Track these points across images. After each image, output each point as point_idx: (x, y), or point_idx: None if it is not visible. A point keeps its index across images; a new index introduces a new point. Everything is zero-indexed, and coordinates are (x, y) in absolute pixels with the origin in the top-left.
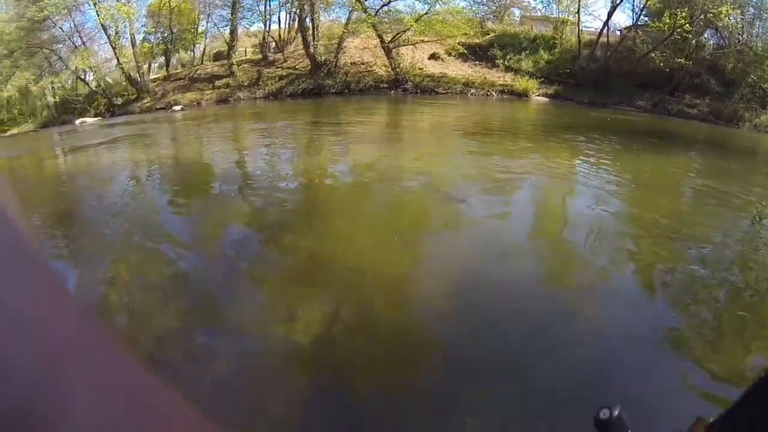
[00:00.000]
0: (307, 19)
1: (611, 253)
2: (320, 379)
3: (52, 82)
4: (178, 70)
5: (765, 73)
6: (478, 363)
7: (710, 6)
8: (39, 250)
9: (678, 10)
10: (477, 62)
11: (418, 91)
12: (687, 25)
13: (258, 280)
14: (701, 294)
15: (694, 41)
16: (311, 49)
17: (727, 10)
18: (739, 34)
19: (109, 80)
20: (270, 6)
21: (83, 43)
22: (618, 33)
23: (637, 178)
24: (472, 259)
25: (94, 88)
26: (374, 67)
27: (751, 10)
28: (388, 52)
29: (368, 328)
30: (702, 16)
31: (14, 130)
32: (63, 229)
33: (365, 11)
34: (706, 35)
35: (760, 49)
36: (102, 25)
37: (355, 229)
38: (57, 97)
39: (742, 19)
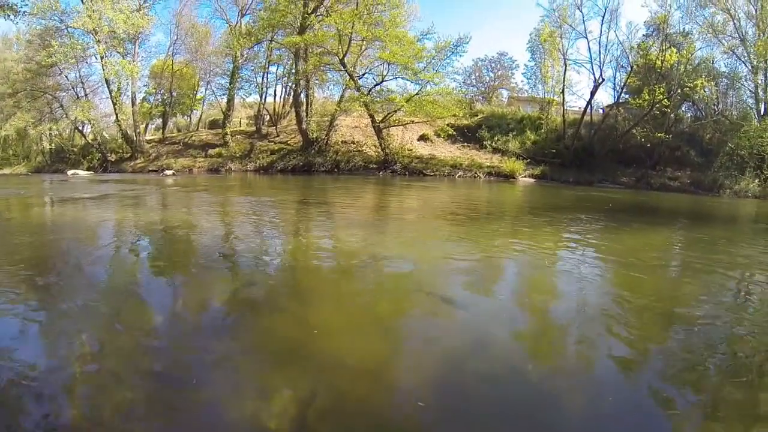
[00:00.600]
0: (302, 95)
1: (596, 337)
2: None
3: (50, 129)
4: (174, 134)
5: (742, 141)
6: None
7: (686, 80)
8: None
9: (656, 86)
10: (465, 143)
11: (407, 172)
12: (665, 100)
13: (231, 360)
14: (688, 377)
15: (672, 115)
16: (304, 125)
17: (702, 83)
18: (714, 104)
19: (106, 135)
20: (267, 78)
21: (86, 95)
22: (601, 111)
23: (621, 256)
24: (453, 348)
25: (90, 141)
26: (364, 147)
27: (725, 81)
28: (378, 132)
29: (342, 415)
30: (679, 90)
31: (6, 171)
32: (35, 282)
33: (358, 89)
34: (683, 108)
35: (735, 117)
36: (106, 79)
37: (334, 314)
38: (53, 144)
39: (717, 90)
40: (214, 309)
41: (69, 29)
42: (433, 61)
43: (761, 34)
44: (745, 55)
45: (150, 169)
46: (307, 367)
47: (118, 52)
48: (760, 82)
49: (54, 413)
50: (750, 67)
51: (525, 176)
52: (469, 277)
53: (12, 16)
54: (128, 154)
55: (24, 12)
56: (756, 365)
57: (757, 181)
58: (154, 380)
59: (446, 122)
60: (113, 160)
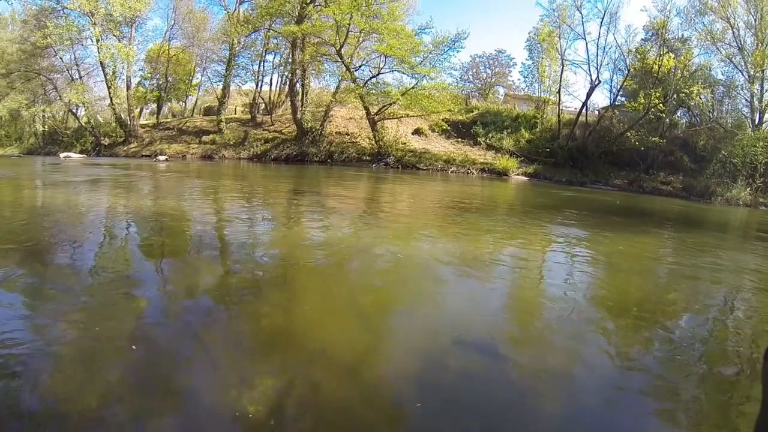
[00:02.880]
0: (298, 84)
1: (582, 339)
2: None
3: (43, 111)
4: (168, 119)
5: (735, 149)
6: None
7: (682, 86)
8: None
9: (652, 90)
10: (459, 139)
11: (400, 165)
12: (661, 104)
13: (215, 347)
14: (672, 379)
15: (667, 120)
16: (299, 115)
17: (698, 90)
18: (709, 112)
19: (100, 119)
20: (263, 67)
21: (80, 77)
22: (596, 113)
23: (611, 258)
24: (434, 342)
25: (83, 124)
26: (358, 139)
27: (721, 88)
28: (373, 124)
29: (323, 404)
30: (675, 96)
31: None
32: (23, 266)
33: (354, 81)
34: (678, 114)
35: (729, 125)
36: (101, 62)
37: (318, 305)
38: (46, 127)
39: (713, 97)
40: (200, 296)
41: (65, 10)
42: (430, 55)
43: (759, 44)
44: (743, 63)
45: (143, 154)
46: (288, 357)
47: (114, 35)
48: (756, 91)
49: (37, 397)
50: (747, 76)
51: (518, 174)
52: (455, 274)
53: None
54: (122, 139)
55: None
56: (734, 376)
57: (748, 189)
58: (138, 365)
59: (441, 117)
60: (106, 143)
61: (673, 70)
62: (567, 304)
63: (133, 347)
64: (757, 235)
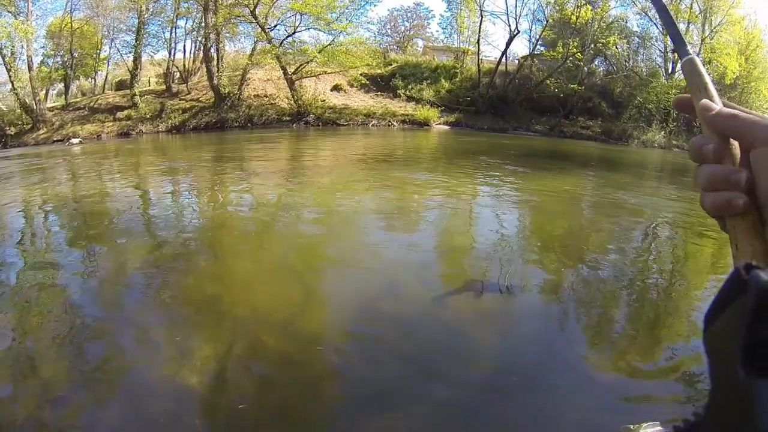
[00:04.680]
0: (212, 49)
1: (512, 277)
2: (214, 418)
3: None
4: (78, 99)
5: (650, 95)
6: (374, 393)
7: (600, 36)
8: None
9: (570, 40)
10: (379, 93)
11: (321, 123)
12: (579, 53)
13: (150, 324)
14: (598, 309)
15: (585, 68)
16: (215, 81)
17: (614, 40)
18: (626, 61)
19: (2, 106)
20: (176, 34)
21: None
22: (516, 62)
23: (536, 200)
24: (368, 294)
25: None
26: (277, 100)
27: (636, 39)
28: (291, 84)
29: (264, 365)
30: (592, 46)
31: None
32: None
33: (270, 42)
34: (596, 63)
35: (644, 74)
36: None
37: (248, 268)
38: None
39: (629, 47)
40: (129, 276)
41: None
42: (346, 11)
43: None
44: (657, 17)
45: (55, 139)
46: (224, 323)
47: (9, 12)
48: (669, 43)
49: None
50: (661, 29)
51: (440, 124)
52: (383, 225)
53: None
54: (29, 126)
55: None
56: (654, 304)
57: (662, 133)
58: (72, 356)
59: (360, 72)
60: (12, 133)
61: (590, 21)
62: (495, 246)
63: (68, 338)
64: (671, 174)
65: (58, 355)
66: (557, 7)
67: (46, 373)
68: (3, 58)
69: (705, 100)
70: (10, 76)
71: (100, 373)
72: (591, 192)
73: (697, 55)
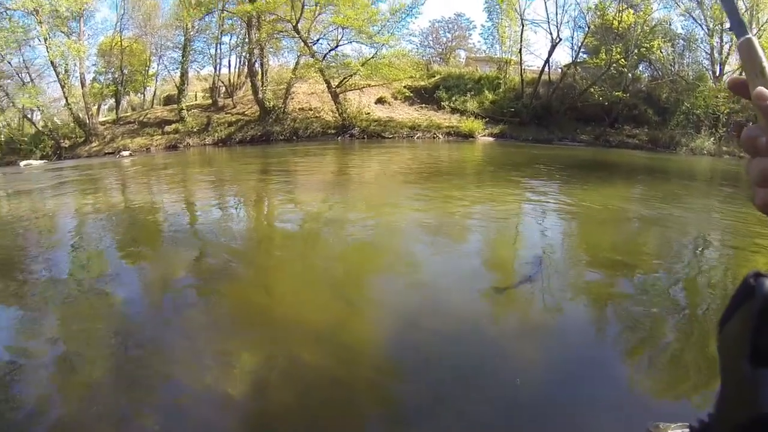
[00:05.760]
0: (257, 64)
1: (558, 291)
2: (252, 428)
3: None
4: (128, 113)
5: (697, 100)
6: (413, 408)
7: (643, 41)
8: None
9: (613, 46)
10: (423, 105)
11: (365, 136)
12: (622, 59)
13: (194, 332)
14: (647, 326)
15: (629, 74)
16: (260, 95)
17: (658, 44)
18: (671, 65)
19: (57, 121)
20: (221, 49)
21: (31, 80)
22: (559, 70)
23: (583, 211)
24: (411, 307)
25: (40, 129)
26: (322, 113)
27: (681, 42)
28: (335, 97)
29: (303, 374)
30: (636, 51)
31: None
32: (2, 279)
33: (313, 56)
34: (640, 68)
35: (691, 78)
36: (51, 61)
37: (295, 280)
38: (1, 137)
39: (673, 51)
40: (175, 284)
41: (8, 12)
42: (387, 23)
43: None
44: (702, 17)
45: (106, 151)
46: (267, 332)
47: (62, 32)
48: (715, 44)
49: (26, 396)
50: (706, 30)
51: (484, 135)
52: (428, 238)
53: None
54: (82, 139)
55: None
56: (704, 321)
57: (712, 139)
58: (120, 356)
59: (403, 84)
60: (67, 146)
61: (633, 25)
62: (538, 259)
63: (113, 343)
64: (721, 183)
65: (101, 358)
66: (598, 13)
67: (89, 374)
68: (57, 76)
69: (761, 89)
70: (64, 92)
71: (143, 377)
72: (637, 204)
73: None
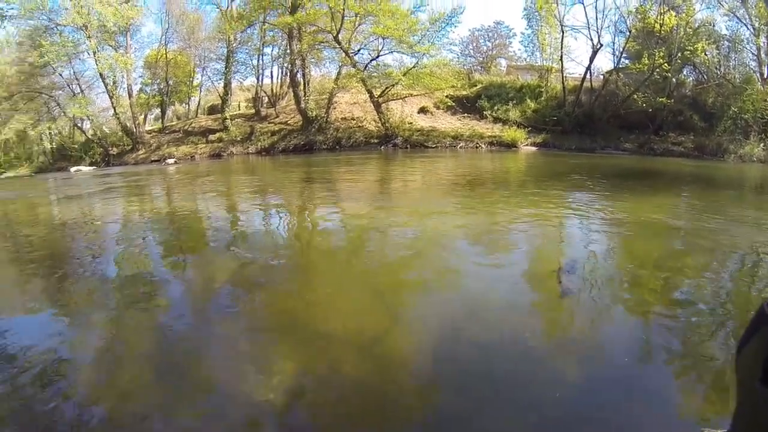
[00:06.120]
0: (299, 74)
1: (600, 307)
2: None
3: (49, 128)
4: (173, 123)
5: (745, 104)
6: (453, 421)
7: (687, 43)
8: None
9: (656, 50)
10: (465, 114)
11: (408, 145)
12: (666, 64)
13: (235, 336)
14: (693, 347)
15: (674, 79)
16: (302, 105)
17: (702, 47)
18: (716, 68)
19: (106, 130)
20: (263, 60)
21: (81, 91)
22: (601, 77)
23: (627, 223)
24: (452, 318)
25: (90, 137)
26: (364, 122)
27: (726, 43)
28: (377, 106)
29: (342, 383)
30: (679, 54)
31: (10, 173)
32: (50, 279)
33: (354, 66)
34: (684, 72)
35: (738, 81)
36: (100, 73)
37: (336, 288)
38: (54, 144)
39: (718, 53)
40: (218, 288)
41: (58, 27)
42: (428, 33)
43: None
44: (747, 17)
45: (152, 159)
46: (306, 340)
47: (110, 46)
48: (762, 44)
49: (71, 391)
50: (752, 30)
51: (527, 145)
52: (470, 248)
53: None
54: (129, 146)
55: (10, 16)
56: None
57: (762, 145)
58: (162, 357)
59: (445, 94)
60: (115, 153)
61: (675, 28)
62: (584, 272)
63: (156, 343)
64: None
65: (145, 358)
66: (639, 16)
67: (132, 373)
68: (106, 87)
69: None
70: (112, 103)
71: (184, 378)
72: (683, 215)
73: None
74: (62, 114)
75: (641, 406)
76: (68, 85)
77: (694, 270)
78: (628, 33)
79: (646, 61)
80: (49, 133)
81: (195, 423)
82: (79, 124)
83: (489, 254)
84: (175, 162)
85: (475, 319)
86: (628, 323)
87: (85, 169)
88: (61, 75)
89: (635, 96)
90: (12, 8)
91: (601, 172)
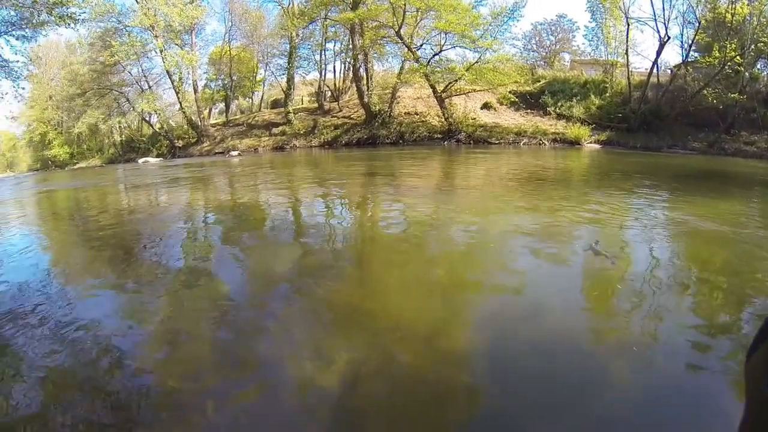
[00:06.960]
0: (361, 69)
1: (663, 315)
2: (342, 421)
3: (119, 122)
4: (237, 117)
5: None
6: (503, 418)
7: (760, 34)
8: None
9: (727, 42)
10: (528, 110)
11: (471, 141)
12: (738, 57)
13: (294, 324)
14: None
15: (746, 73)
16: (365, 99)
17: None
18: None
19: (172, 123)
20: (325, 55)
21: (149, 87)
22: (668, 72)
23: (693, 227)
24: (511, 317)
25: (157, 130)
26: (428, 117)
27: None
28: (440, 101)
29: (397, 375)
30: (753, 46)
31: (82, 164)
32: (117, 260)
33: (417, 60)
34: (759, 66)
35: None
36: (167, 71)
37: (395, 282)
38: (123, 136)
39: None
40: (279, 277)
41: (127, 28)
42: (490, 27)
43: None
44: None
45: (216, 151)
46: (364, 331)
47: (176, 44)
48: None
49: (135, 366)
50: None
51: (591, 142)
52: (531, 247)
53: (72, 24)
54: (194, 139)
55: (82, 19)
56: None
57: None
58: (224, 339)
59: (508, 89)
60: (180, 145)
61: (748, 17)
62: (647, 277)
63: (217, 326)
64: None
65: (205, 339)
66: (709, 6)
67: (193, 351)
68: (172, 83)
69: None
70: (178, 98)
71: (242, 360)
72: (754, 222)
73: None
74: (131, 109)
75: (700, 420)
76: (137, 82)
77: (761, 280)
78: (697, 24)
79: (717, 54)
80: (119, 126)
81: (252, 405)
82: (147, 118)
83: (551, 254)
84: (239, 154)
85: (534, 319)
86: (689, 332)
87: (152, 160)
88: (130, 73)
89: (705, 92)
90: (84, 12)
91: (667, 172)
